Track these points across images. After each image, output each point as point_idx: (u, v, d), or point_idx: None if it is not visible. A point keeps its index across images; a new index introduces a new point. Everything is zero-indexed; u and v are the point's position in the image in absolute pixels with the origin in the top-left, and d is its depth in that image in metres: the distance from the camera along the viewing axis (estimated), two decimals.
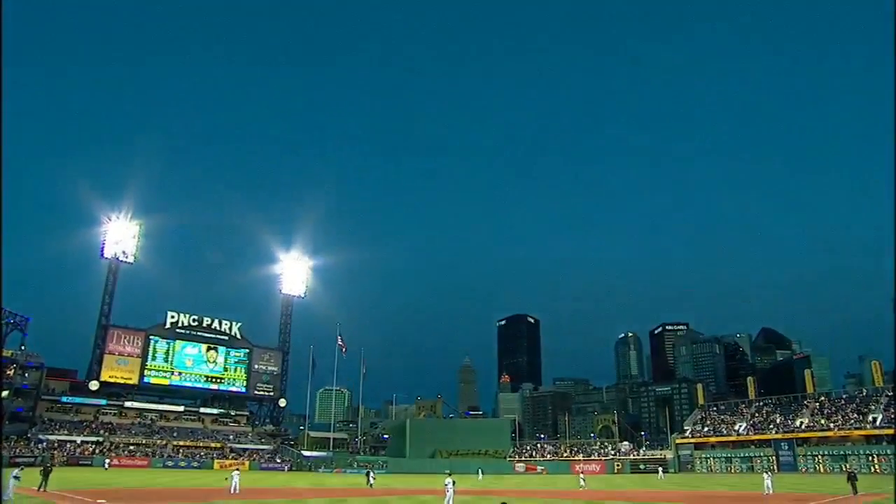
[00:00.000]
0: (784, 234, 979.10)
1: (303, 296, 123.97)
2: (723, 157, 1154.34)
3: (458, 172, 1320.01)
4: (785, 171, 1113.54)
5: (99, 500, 31.89)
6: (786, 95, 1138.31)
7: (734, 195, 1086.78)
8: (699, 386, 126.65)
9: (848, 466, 59.12)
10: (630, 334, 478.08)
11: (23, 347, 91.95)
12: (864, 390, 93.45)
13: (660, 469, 75.76)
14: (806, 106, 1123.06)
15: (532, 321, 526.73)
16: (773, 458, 79.64)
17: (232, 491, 38.56)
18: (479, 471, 72.36)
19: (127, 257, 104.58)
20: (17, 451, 78.14)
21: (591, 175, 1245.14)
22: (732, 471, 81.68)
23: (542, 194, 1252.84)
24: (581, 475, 53.39)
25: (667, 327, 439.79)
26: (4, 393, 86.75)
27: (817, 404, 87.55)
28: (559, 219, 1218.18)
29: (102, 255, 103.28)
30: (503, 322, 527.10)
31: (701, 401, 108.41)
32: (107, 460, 78.43)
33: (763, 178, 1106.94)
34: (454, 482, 32.67)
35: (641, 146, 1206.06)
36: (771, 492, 38.55)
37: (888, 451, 71.62)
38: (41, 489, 36.31)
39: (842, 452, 74.47)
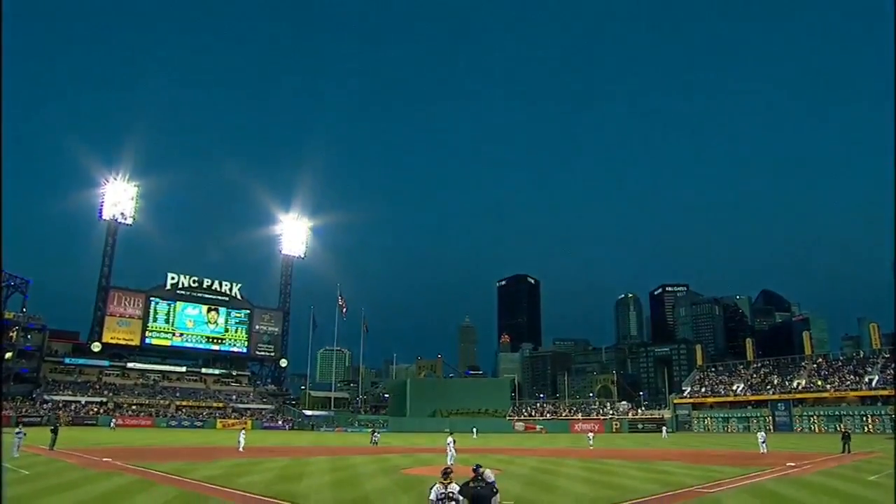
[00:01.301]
0: (786, 197, 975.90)
1: (303, 256, 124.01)
2: (724, 120, 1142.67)
3: (460, 132, 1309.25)
4: (786, 134, 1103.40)
5: (105, 458, 32.23)
6: (791, 59, 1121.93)
7: (735, 158, 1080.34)
8: (698, 347, 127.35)
9: (843, 426, 59.67)
10: (630, 295, 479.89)
11: (24, 310, 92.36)
12: (862, 352, 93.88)
13: (663, 428, 76.68)
14: (811, 64, 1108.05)
15: (532, 282, 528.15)
16: (770, 418, 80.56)
17: (240, 449, 39.76)
18: (474, 430, 73.29)
19: (126, 219, 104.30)
20: (24, 410, 79.04)
21: (594, 137, 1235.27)
22: (729, 430, 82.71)
23: (544, 155, 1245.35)
24: (590, 434, 53.91)
25: (667, 288, 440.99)
26: (8, 354, 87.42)
27: (815, 366, 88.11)
28: (561, 180, 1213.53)
29: (101, 216, 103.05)
30: (503, 282, 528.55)
31: (700, 362, 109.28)
32: (113, 420, 79.28)
33: (765, 141, 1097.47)
34: (455, 441, 33.21)
35: (645, 109, 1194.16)
36: (766, 450, 38.93)
37: (882, 412, 72.56)
38: (52, 448, 36.89)
39: (837, 413, 75.36)
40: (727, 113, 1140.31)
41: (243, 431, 44.68)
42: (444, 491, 10.89)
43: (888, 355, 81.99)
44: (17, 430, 34.15)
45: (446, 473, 11.31)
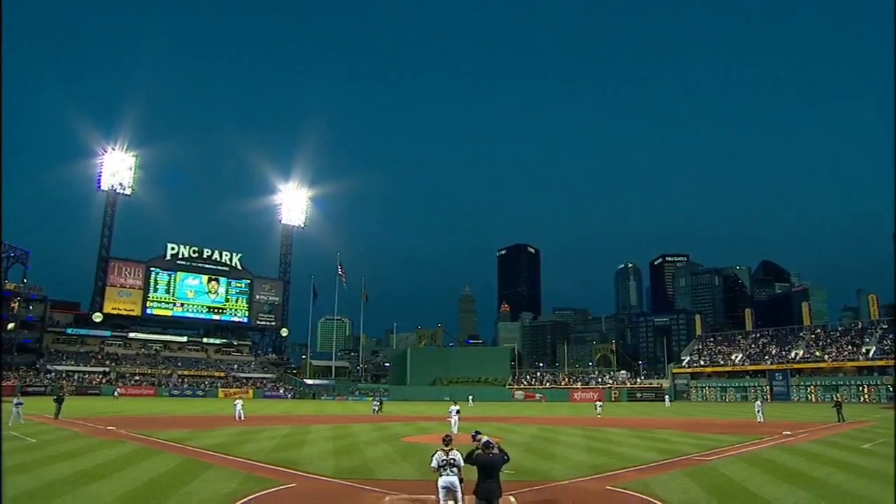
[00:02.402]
0: (788, 168, 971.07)
1: (302, 226, 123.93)
2: (727, 91, 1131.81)
3: (461, 99, 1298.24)
4: (789, 105, 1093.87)
5: (109, 427, 32.58)
6: (793, 29, 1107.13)
7: (738, 128, 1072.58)
8: (697, 317, 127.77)
9: (838, 396, 60.23)
10: (630, 265, 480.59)
11: (25, 280, 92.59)
12: (860, 323, 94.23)
13: (666, 397, 77.37)
14: (812, 35, 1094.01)
15: (532, 251, 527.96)
16: (767, 387, 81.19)
17: (237, 418, 39.81)
18: (470, 398, 73.89)
19: (124, 189, 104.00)
20: (28, 380, 79.76)
21: (596, 105, 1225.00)
22: (727, 400, 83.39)
23: (545, 124, 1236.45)
24: (598, 403, 54.20)
25: (667, 258, 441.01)
26: (10, 325, 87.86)
27: (813, 336, 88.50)
28: (562, 149, 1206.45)
29: (99, 186, 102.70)
30: (503, 252, 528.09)
31: (699, 332, 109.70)
32: (117, 390, 79.93)
33: (768, 112, 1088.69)
34: (459, 410, 33.48)
35: (647, 78, 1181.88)
36: (762, 419, 39.29)
37: (878, 382, 73.24)
38: (56, 417, 37.25)
39: (834, 383, 75.86)
40: (729, 83, 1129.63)
41: (240, 400, 44.11)
42: (445, 458, 11.03)
43: (886, 326, 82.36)
44: (15, 399, 34.53)
45: (447, 440, 11.45)
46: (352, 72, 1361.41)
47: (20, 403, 33.33)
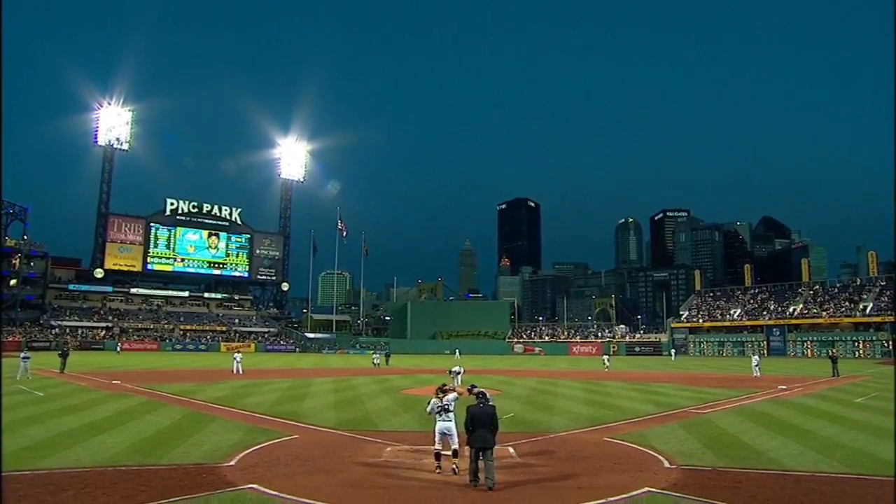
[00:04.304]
0: (790, 124, 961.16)
1: (302, 180, 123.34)
2: (727, 46, 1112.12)
3: (461, 54, 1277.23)
4: (790, 61, 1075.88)
5: (114, 381, 33.05)
6: None
7: (739, 82, 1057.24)
8: (697, 272, 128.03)
9: (833, 351, 60.83)
10: (630, 220, 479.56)
11: (25, 237, 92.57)
12: (859, 280, 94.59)
13: (672, 351, 78.29)
14: None
15: (532, 205, 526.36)
16: (764, 343, 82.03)
17: (234, 372, 39.69)
18: (457, 351, 74.48)
19: (121, 145, 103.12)
20: (32, 336, 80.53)
21: (598, 58, 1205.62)
22: (725, 354, 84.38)
23: (546, 79, 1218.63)
24: (605, 357, 54.51)
25: (667, 213, 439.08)
26: (13, 281, 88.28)
27: (811, 293, 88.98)
28: (563, 103, 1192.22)
29: (96, 142, 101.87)
30: (504, 206, 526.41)
31: (698, 287, 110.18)
32: (119, 344, 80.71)
33: (768, 67, 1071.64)
34: (461, 371, 32.61)
35: (649, 34, 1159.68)
36: (758, 374, 39.77)
37: (874, 338, 74.07)
38: (62, 372, 37.73)
39: (830, 339, 76.63)
40: (731, 39, 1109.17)
41: (239, 354, 43.53)
42: (440, 404, 11.81)
43: (884, 283, 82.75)
44: (22, 354, 34.96)
45: (443, 389, 12.25)
46: (351, 24, 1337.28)
47: (27, 358, 33.69)
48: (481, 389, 12.61)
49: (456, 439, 11.67)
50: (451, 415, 11.77)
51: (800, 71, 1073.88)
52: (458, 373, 31.04)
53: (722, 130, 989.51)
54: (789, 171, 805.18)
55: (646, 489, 10.72)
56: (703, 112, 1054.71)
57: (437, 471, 11.71)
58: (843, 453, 14.03)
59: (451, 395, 12.10)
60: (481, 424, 10.96)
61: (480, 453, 10.80)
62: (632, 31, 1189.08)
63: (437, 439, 11.85)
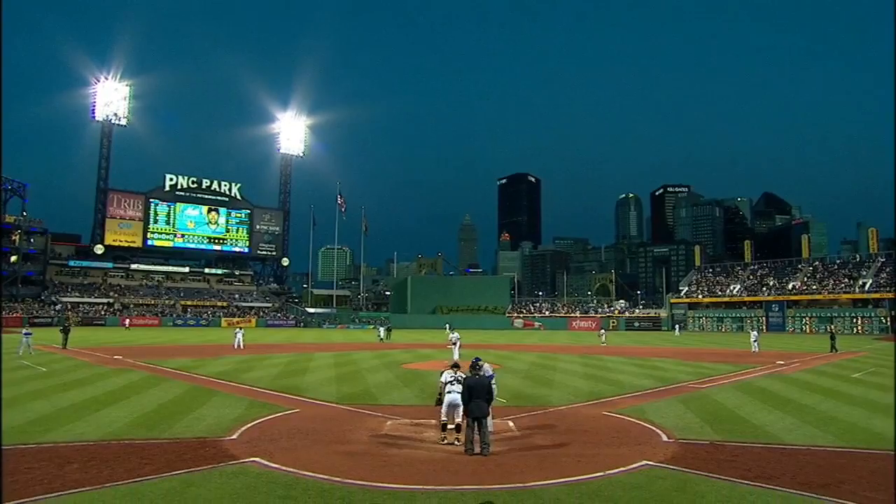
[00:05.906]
0: (791, 100, 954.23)
1: (302, 155, 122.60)
2: (730, 18, 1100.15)
3: (463, 26, 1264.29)
4: (790, 34, 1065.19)
5: (116, 356, 33.25)
6: None
7: (740, 57, 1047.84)
8: (697, 248, 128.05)
9: (832, 327, 61.15)
10: (631, 195, 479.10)
11: (24, 213, 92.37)
12: (858, 256, 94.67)
13: (677, 326, 78.27)
14: None
15: (533, 180, 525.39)
16: (763, 318, 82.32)
17: (235, 347, 40.18)
18: (447, 325, 74.75)
19: (120, 120, 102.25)
20: (34, 312, 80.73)
21: (599, 32, 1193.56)
22: (724, 330, 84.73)
23: (547, 52, 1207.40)
24: (602, 332, 54.85)
25: (668, 189, 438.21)
26: (13, 257, 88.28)
27: (811, 269, 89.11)
28: (565, 77, 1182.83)
29: (94, 117, 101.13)
30: (504, 181, 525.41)
31: (698, 262, 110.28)
32: (127, 320, 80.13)
33: (770, 41, 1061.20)
34: (459, 337, 34.19)
35: (651, 8, 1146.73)
36: (757, 349, 40.00)
37: (872, 314, 74.38)
38: (64, 347, 37.97)
39: (829, 315, 76.89)
40: (732, 14, 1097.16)
41: (240, 329, 43.69)
42: (454, 375, 12.42)
43: (883, 259, 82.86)
44: (24, 330, 35.15)
45: (455, 366, 13.02)
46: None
47: (29, 334, 33.86)
48: (484, 363, 13.04)
49: (461, 411, 12.03)
50: (462, 386, 12.18)
51: (800, 46, 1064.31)
52: (455, 343, 32.12)
53: (723, 106, 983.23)
54: (791, 148, 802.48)
55: (644, 462, 10.85)
56: (705, 87, 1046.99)
57: (444, 441, 12.19)
58: (840, 427, 14.17)
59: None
60: (478, 395, 11.61)
61: (476, 423, 11.42)
62: (634, 7, 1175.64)
63: (444, 411, 12.30)
